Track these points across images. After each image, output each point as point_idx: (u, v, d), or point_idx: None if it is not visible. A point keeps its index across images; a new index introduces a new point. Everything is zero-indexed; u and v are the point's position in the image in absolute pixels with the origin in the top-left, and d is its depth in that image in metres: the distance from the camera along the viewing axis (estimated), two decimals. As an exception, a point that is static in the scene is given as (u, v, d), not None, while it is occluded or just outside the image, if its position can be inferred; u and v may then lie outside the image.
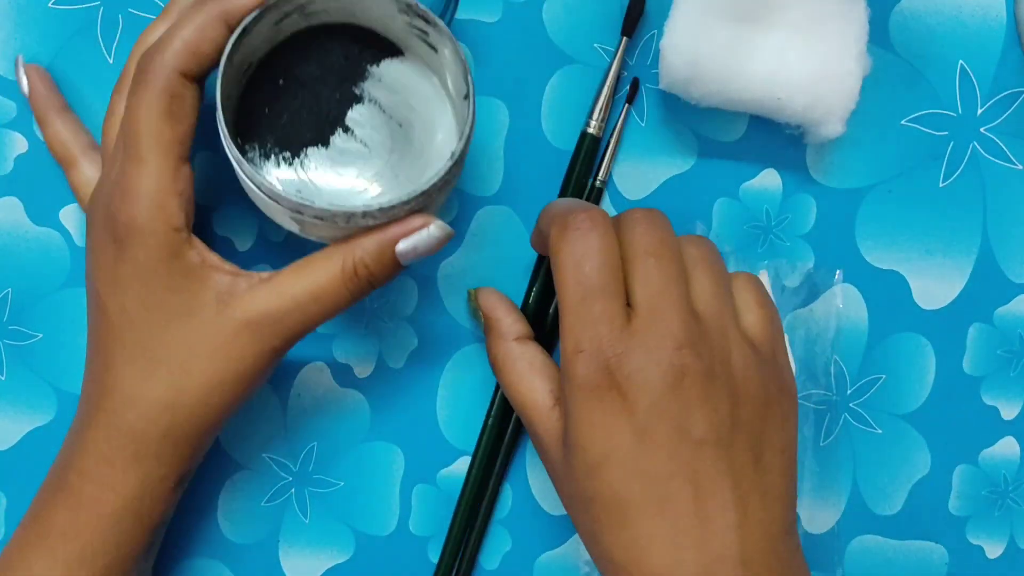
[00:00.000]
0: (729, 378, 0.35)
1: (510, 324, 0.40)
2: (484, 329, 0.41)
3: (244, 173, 0.36)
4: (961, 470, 0.46)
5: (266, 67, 0.40)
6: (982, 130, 0.44)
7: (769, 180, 0.44)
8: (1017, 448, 0.46)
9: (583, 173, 0.44)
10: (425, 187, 0.35)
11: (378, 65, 0.40)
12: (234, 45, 0.36)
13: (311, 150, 0.40)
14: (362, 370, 0.45)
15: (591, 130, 0.43)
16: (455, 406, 0.45)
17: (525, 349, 0.39)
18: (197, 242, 0.37)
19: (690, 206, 0.44)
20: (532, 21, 0.44)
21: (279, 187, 0.36)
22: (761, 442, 0.35)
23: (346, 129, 0.40)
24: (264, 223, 0.44)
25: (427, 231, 0.36)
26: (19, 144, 0.44)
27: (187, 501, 0.45)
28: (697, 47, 0.40)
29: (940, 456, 0.46)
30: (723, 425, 0.34)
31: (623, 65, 0.43)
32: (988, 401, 0.45)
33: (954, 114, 0.44)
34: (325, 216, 0.35)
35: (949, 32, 0.44)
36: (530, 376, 0.38)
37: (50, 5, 0.43)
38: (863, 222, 0.45)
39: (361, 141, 0.39)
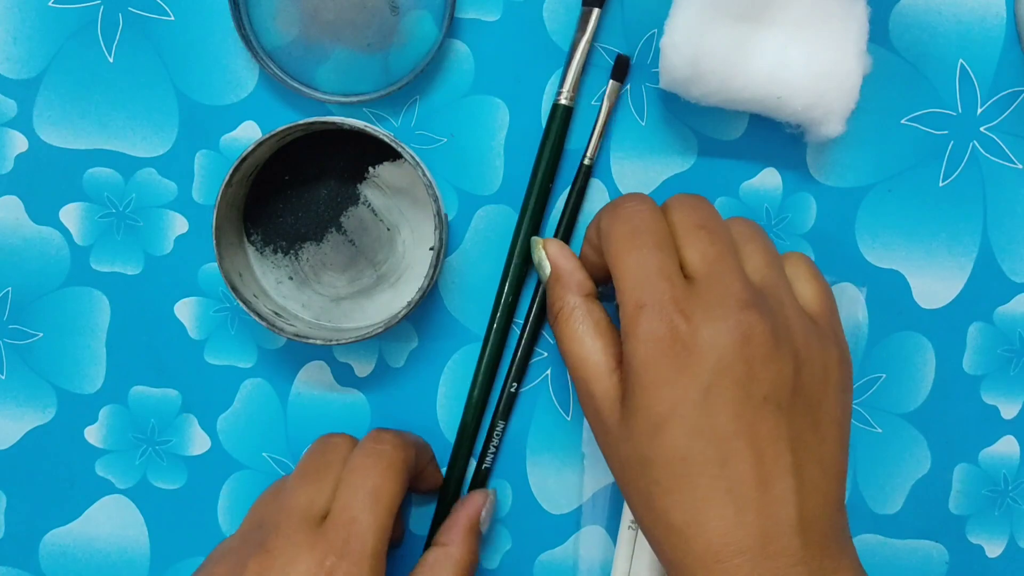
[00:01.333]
0: (791, 343, 0.35)
1: (581, 279, 0.39)
2: (548, 280, 0.40)
3: (238, 301, 0.41)
4: (961, 469, 0.46)
5: (274, 162, 0.43)
6: (982, 129, 0.44)
7: (769, 179, 0.44)
8: (1017, 447, 0.46)
9: (556, 145, 0.43)
10: (380, 328, 0.41)
11: (377, 167, 0.43)
12: (233, 172, 0.40)
13: (307, 244, 0.43)
14: (362, 370, 0.45)
15: (562, 100, 0.43)
16: (455, 406, 0.45)
17: (592, 307, 0.39)
18: None
19: (690, 205, 0.44)
20: (532, 20, 0.43)
21: (263, 308, 0.41)
22: (819, 410, 0.35)
23: (339, 228, 0.43)
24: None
25: (489, 503, 0.43)
26: (19, 143, 0.44)
27: (187, 500, 0.46)
28: (697, 46, 0.40)
29: (940, 455, 0.46)
30: (785, 388, 0.34)
31: (594, 36, 0.43)
32: (988, 400, 0.45)
33: (954, 113, 0.44)
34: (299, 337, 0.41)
35: (949, 32, 0.44)
36: (593, 335, 0.37)
37: (50, 4, 0.43)
38: (863, 221, 0.45)
39: (351, 241, 0.43)
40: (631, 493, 0.36)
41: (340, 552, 0.36)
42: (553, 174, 0.43)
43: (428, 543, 0.44)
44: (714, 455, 0.33)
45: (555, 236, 0.44)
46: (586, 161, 0.43)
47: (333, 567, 0.35)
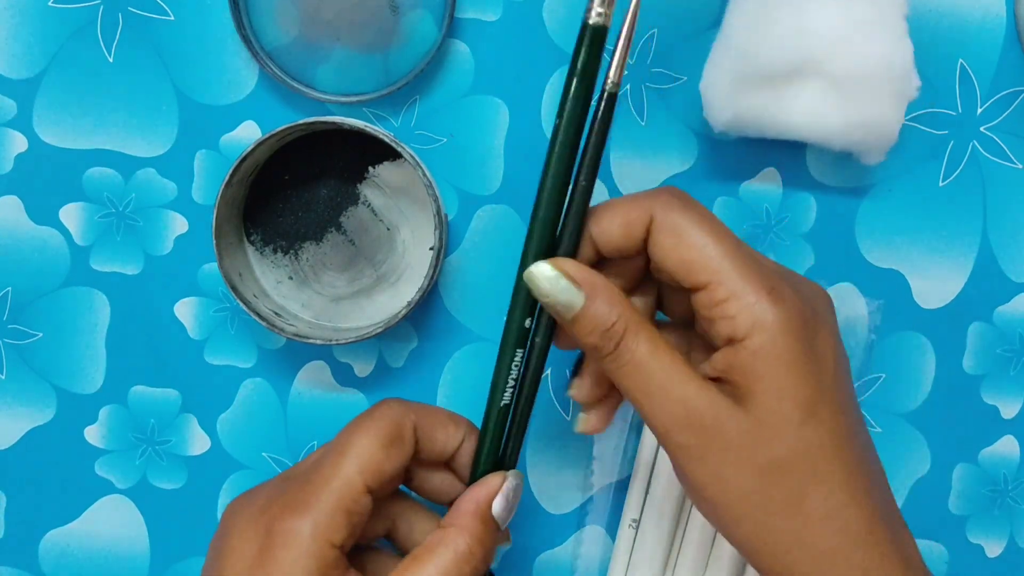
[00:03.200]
0: None
1: (619, 290, 0.33)
2: (583, 309, 0.32)
3: (238, 301, 0.41)
4: (961, 469, 0.46)
5: (274, 162, 0.43)
6: (982, 129, 0.44)
7: (769, 179, 0.44)
8: (1017, 447, 0.46)
9: (587, 72, 0.33)
10: (380, 328, 0.40)
11: (377, 167, 0.43)
12: (233, 172, 0.40)
13: (306, 244, 0.43)
14: (362, 369, 0.45)
15: (594, 19, 0.33)
16: (455, 406, 0.45)
17: (646, 318, 0.33)
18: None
19: (690, 205, 0.44)
20: (532, 20, 0.43)
21: (263, 308, 0.41)
22: None
23: (339, 228, 0.43)
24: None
25: (508, 488, 0.36)
26: (19, 143, 0.44)
27: (186, 500, 0.46)
28: (733, 109, 0.40)
29: (940, 455, 0.46)
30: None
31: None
32: (988, 400, 0.45)
33: (954, 113, 0.44)
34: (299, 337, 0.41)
35: (949, 32, 0.44)
36: (670, 348, 0.32)
37: (50, 4, 0.43)
38: (863, 221, 0.45)
39: (351, 241, 0.43)
40: (755, 501, 0.32)
41: (284, 503, 0.34)
42: (582, 120, 0.34)
43: None
44: (846, 432, 0.32)
45: (573, 190, 0.35)
46: (610, 86, 0.34)
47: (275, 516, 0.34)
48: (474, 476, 0.37)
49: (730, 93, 0.40)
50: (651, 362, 0.32)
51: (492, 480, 0.37)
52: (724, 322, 0.32)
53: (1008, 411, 0.45)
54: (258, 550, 0.33)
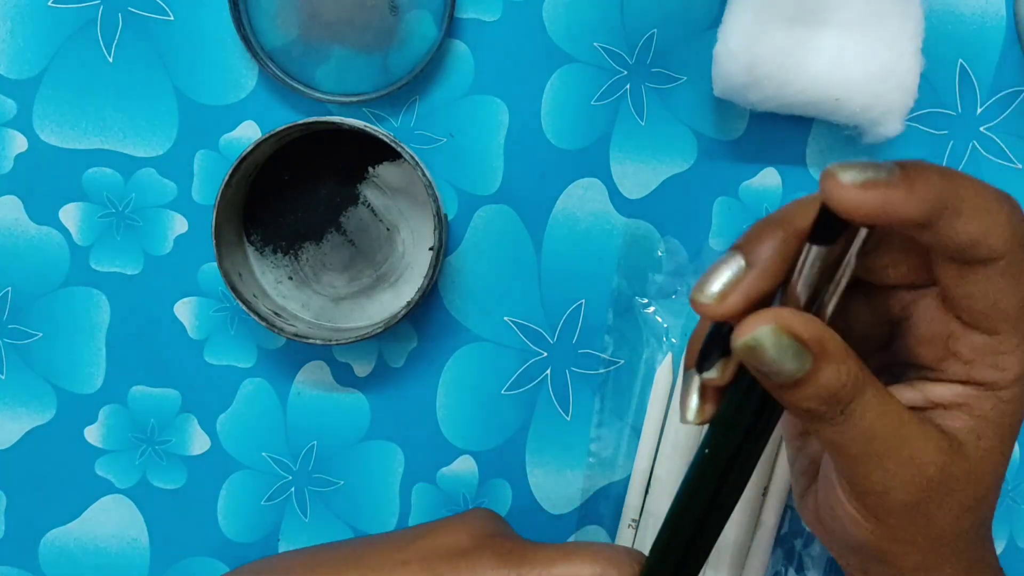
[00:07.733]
0: None
1: (843, 342, 0.27)
2: (811, 369, 0.26)
3: (238, 301, 0.41)
4: (961, 469, 0.46)
5: (274, 162, 0.43)
6: (982, 129, 0.44)
7: (769, 179, 0.44)
8: (1016, 447, 0.46)
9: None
10: (380, 328, 0.41)
11: (377, 167, 0.43)
12: (233, 172, 0.40)
13: (306, 244, 0.43)
14: (362, 369, 0.45)
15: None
16: (455, 406, 0.45)
17: (878, 383, 0.28)
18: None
19: (690, 206, 0.44)
20: (532, 20, 0.44)
21: (263, 308, 0.42)
22: None
23: (339, 228, 0.43)
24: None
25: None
26: (19, 143, 0.44)
27: (187, 500, 0.46)
28: (753, 52, 0.39)
29: (940, 455, 0.45)
30: None
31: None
32: (988, 400, 0.45)
33: (954, 113, 0.44)
34: (299, 336, 0.41)
35: (949, 31, 0.44)
36: (906, 415, 0.28)
37: (50, 4, 0.43)
38: (863, 221, 0.44)
39: (351, 241, 0.43)
40: (950, 537, 0.31)
41: None
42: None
43: None
44: None
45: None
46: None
47: None
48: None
49: (752, 32, 0.39)
50: (878, 425, 0.28)
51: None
52: (990, 370, 0.29)
53: (1008, 411, 0.45)
54: None
